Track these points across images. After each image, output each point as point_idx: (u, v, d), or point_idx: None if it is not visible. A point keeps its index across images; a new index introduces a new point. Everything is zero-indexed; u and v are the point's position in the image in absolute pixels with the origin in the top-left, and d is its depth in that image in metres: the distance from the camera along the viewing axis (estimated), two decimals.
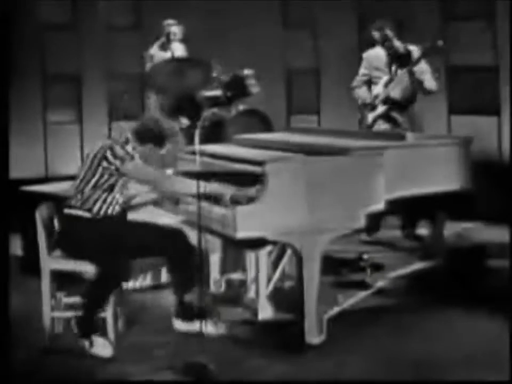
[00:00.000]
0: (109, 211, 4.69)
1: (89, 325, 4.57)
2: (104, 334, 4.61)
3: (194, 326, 4.73)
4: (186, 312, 4.82)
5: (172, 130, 4.89)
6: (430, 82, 6.72)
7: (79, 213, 4.66)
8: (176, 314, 4.86)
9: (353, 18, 9.01)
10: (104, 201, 4.68)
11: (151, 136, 4.74)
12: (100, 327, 4.61)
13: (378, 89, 6.83)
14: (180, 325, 4.85)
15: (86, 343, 4.54)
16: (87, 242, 4.61)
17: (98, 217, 4.67)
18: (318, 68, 9.30)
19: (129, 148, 4.72)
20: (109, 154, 4.61)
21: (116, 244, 4.63)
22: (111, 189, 4.67)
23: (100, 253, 4.57)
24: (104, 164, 4.60)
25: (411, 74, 6.67)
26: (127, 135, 4.76)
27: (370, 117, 6.82)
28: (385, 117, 6.79)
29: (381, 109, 6.78)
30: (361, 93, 6.97)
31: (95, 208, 4.66)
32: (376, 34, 6.88)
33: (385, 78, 6.80)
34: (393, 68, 6.79)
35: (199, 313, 4.63)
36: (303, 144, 5.27)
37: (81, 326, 4.57)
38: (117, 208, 4.74)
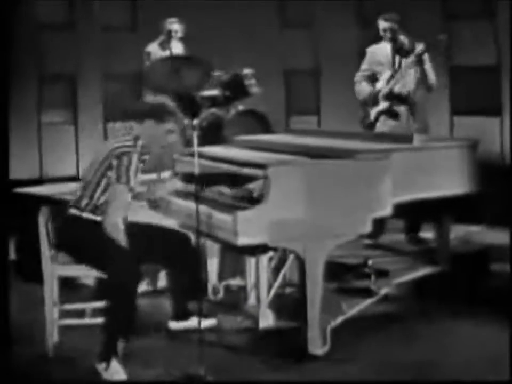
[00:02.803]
0: None
1: (111, 348, 4.27)
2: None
3: (189, 323, 4.72)
4: (183, 313, 4.79)
5: (164, 106, 4.77)
6: (432, 75, 6.60)
7: (91, 216, 4.49)
8: (172, 317, 4.83)
9: (353, 18, 8.99)
10: None
11: (147, 113, 4.63)
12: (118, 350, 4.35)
13: (380, 84, 6.69)
14: (174, 325, 4.81)
15: (101, 367, 4.24)
16: (94, 245, 4.42)
17: None
18: (318, 68, 9.27)
19: (134, 159, 4.48)
20: (114, 163, 4.44)
21: (125, 247, 4.42)
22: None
23: (107, 257, 4.35)
24: (109, 173, 4.46)
25: (417, 63, 6.53)
26: (135, 133, 4.59)
27: (373, 113, 6.70)
28: (388, 112, 6.66)
29: (383, 104, 6.65)
30: (361, 88, 6.80)
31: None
32: (384, 24, 6.68)
33: (387, 73, 6.66)
34: (397, 62, 6.65)
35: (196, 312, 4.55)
36: (306, 147, 5.14)
37: (102, 350, 4.27)
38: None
